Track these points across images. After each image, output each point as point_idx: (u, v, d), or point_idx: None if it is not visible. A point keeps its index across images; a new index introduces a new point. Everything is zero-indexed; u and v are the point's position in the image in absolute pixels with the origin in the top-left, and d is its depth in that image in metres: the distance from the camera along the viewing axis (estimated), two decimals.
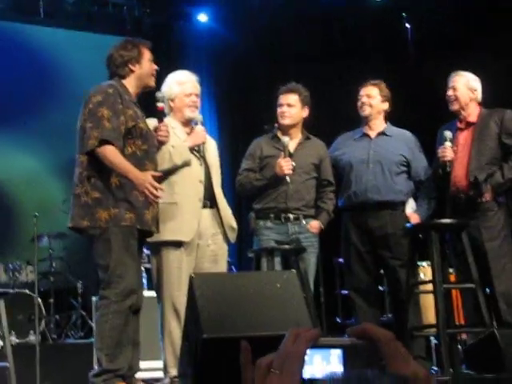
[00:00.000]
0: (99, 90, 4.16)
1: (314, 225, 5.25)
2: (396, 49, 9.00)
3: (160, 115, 4.40)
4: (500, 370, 3.92)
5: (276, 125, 5.46)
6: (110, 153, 4.03)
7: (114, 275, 4.02)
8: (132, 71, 4.28)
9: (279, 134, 5.41)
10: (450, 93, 5.38)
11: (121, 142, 4.08)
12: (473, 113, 5.37)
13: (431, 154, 5.54)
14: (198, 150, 4.73)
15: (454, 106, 5.38)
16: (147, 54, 4.33)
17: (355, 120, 5.63)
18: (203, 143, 4.74)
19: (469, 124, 5.37)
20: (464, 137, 5.36)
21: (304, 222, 5.24)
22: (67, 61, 8.86)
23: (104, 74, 4.43)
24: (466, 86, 5.36)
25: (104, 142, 4.03)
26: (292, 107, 5.34)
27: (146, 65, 4.32)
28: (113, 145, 4.03)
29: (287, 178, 5.12)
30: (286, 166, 5.11)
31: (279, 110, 5.37)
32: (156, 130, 4.35)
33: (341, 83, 7.96)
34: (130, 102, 4.22)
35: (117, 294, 4.01)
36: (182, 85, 4.80)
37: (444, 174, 5.24)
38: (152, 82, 4.36)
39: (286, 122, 5.36)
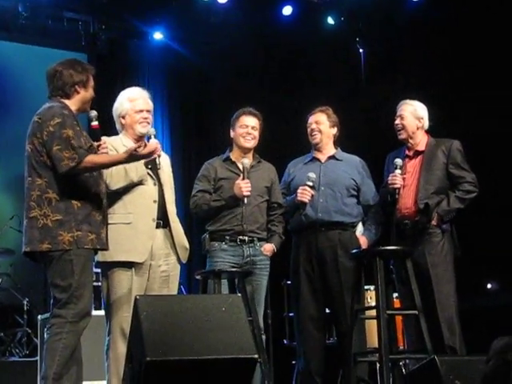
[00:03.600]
0: (54, 112, 4.15)
1: (268, 248, 5.29)
2: (349, 73, 9.11)
3: (95, 134, 4.36)
4: None
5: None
6: (93, 159, 4.12)
7: (73, 296, 4.02)
8: (77, 93, 4.30)
9: (233, 156, 5.44)
10: (397, 121, 5.49)
11: None
12: (421, 141, 5.47)
13: (379, 179, 5.64)
14: (153, 166, 4.71)
15: (402, 135, 5.49)
16: (92, 81, 4.35)
17: (306, 145, 5.69)
18: (159, 156, 4.71)
19: (417, 152, 5.47)
20: (412, 165, 5.45)
21: (258, 244, 5.27)
22: (21, 75, 8.79)
23: None
24: (412, 115, 5.47)
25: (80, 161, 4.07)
26: (256, 130, 5.40)
27: (90, 91, 4.34)
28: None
29: (245, 200, 5.16)
30: (245, 187, 5.14)
31: (242, 130, 5.38)
32: (98, 147, 4.32)
33: (294, 106, 8.02)
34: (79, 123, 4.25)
35: (74, 315, 4.01)
36: (132, 101, 4.81)
37: (392, 200, 5.33)
38: (88, 109, 4.39)
39: (250, 144, 5.40)
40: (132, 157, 4.17)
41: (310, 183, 5.28)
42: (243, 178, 5.19)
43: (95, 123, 4.35)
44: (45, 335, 4.09)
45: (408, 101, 5.53)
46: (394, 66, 8.71)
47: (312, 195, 5.27)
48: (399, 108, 5.52)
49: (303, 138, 5.68)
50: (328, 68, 8.94)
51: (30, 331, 7.39)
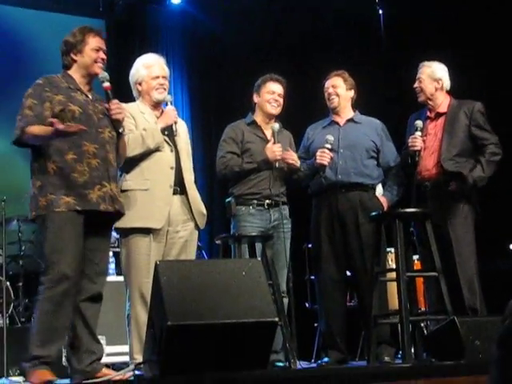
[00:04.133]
0: (32, 84, 4.22)
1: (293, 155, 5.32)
2: (368, 35, 9.01)
3: (107, 96, 4.33)
4: (459, 358, 3.99)
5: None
6: (31, 130, 4.06)
7: (48, 261, 4.03)
8: (74, 61, 4.30)
9: (258, 120, 5.45)
10: (415, 84, 5.49)
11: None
12: (442, 103, 5.44)
13: (400, 141, 5.61)
14: (170, 132, 4.74)
15: (421, 98, 5.48)
16: (92, 43, 4.30)
17: (324, 110, 5.67)
18: (175, 123, 4.75)
19: (438, 114, 5.44)
20: (433, 127, 5.43)
21: (283, 208, 5.31)
22: (38, 43, 8.78)
23: None
24: (430, 77, 5.44)
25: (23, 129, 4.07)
26: (281, 97, 5.43)
27: (89, 53, 4.29)
28: None
29: (277, 164, 5.20)
30: (278, 151, 5.18)
31: (270, 97, 5.40)
32: (108, 110, 4.30)
33: (312, 71, 7.95)
34: (68, 89, 4.23)
35: (49, 280, 4.00)
36: (148, 68, 4.82)
37: (412, 162, 5.31)
38: (97, 70, 4.31)
39: (277, 111, 5.44)
40: (57, 133, 3.98)
41: (329, 146, 5.28)
42: (274, 142, 5.23)
43: (106, 84, 4.32)
44: None
45: (426, 63, 5.50)
46: (415, 28, 8.59)
47: (331, 158, 5.27)
48: (418, 70, 5.50)
49: (321, 102, 5.66)
50: (346, 30, 8.85)
51: None
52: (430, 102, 5.45)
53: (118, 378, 3.97)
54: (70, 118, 4.12)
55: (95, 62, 4.30)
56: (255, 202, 5.26)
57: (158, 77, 4.79)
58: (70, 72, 4.30)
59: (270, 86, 5.41)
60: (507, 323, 1.85)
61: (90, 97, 4.33)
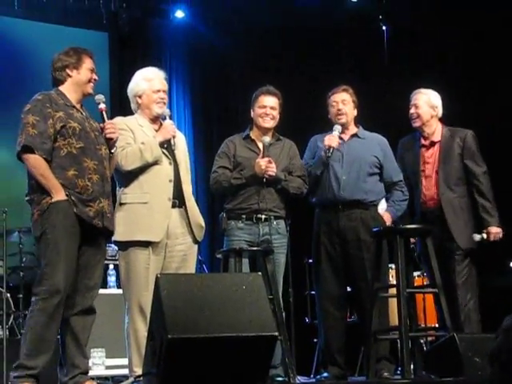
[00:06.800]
0: (30, 100, 4.29)
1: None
2: (371, 51, 9.04)
3: (103, 117, 4.44)
4: (459, 374, 3.99)
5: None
6: (33, 161, 4.15)
7: (43, 274, 4.09)
8: (69, 76, 4.36)
9: (253, 134, 5.44)
10: (412, 110, 5.63)
11: (48, 145, 4.17)
12: (436, 130, 5.61)
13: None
14: (168, 146, 4.75)
15: (417, 123, 5.63)
16: (88, 63, 4.40)
17: (326, 123, 5.67)
18: (174, 137, 4.76)
19: (433, 143, 5.60)
20: (430, 155, 5.59)
21: (275, 223, 5.28)
22: (42, 54, 8.74)
23: None
24: (427, 104, 5.61)
25: (27, 148, 4.14)
26: (275, 110, 5.38)
27: (85, 72, 4.38)
28: (36, 152, 4.13)
29: (264, 179, 5.16)
30: (264, 166, 5.14)
31: (261, 111, 5.37)
32: (102, 129, 4.40)
33: (315, 85, 7.98)
34: (66, 106, 4.29)
35: (43, 292, 4.06)
36: (149, 81, 4.83)
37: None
38: (89, 90, 4.41)
39: (270, 124, 5.39)
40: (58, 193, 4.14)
41: (337, 132, 5.37)
42: (263, 156, 5.19)
43: (102, 106, 4.43)
44: None
45: (422, 90, 5.67)
46: (418, 45, 8.62)
47: (336, 175, 5.30)
48: (413, 97, 5.65)
49: (323, 115, 5.66)
50: (351, 46, 8.88)
51: None
52: (425, 129, 5.61)
53: None
54: (72, 135, 4.21)
55: (89, 81, 4.39)
56: (244, 216, 5.25)
57: (159, 90, 4.82)
58: (62, 89, 4.37)
59: (262, 100, 5.39)
60: (499, 340, 1.86)
61: (84, 114, 4.40)
